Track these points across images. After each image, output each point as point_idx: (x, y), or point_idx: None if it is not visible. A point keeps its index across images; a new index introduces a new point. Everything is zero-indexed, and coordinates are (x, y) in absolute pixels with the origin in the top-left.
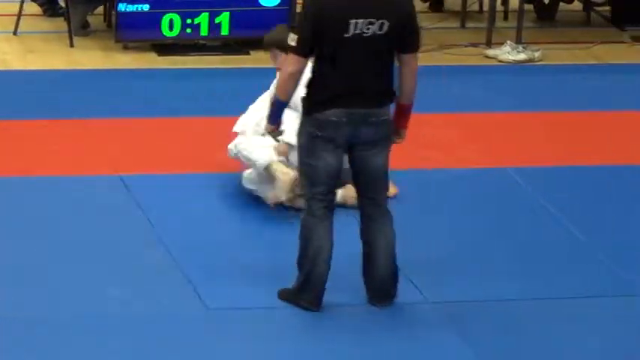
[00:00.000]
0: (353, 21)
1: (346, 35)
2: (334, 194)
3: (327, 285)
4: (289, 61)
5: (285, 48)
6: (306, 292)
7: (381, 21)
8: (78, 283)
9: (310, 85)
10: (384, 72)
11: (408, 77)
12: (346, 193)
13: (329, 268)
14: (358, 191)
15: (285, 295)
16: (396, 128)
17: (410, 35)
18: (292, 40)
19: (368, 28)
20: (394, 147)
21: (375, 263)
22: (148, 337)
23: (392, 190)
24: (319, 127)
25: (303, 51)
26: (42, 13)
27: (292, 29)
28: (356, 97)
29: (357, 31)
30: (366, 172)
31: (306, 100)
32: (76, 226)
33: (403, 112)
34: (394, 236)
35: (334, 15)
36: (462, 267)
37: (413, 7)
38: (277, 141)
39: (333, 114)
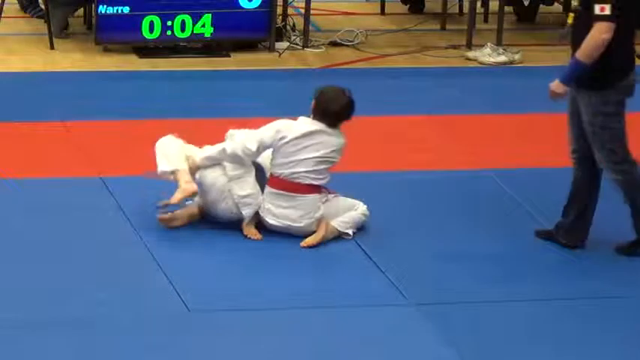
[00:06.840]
0: None
1: None
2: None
3: (310, 286)
4: (603, 29)
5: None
6: None
7: None
8: (58, 284)
9: (607, 55)
10: None
11: None
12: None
13: None
14: None
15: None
16: None
17: None
18: (603, 9)
19: None
20: (379, 149)
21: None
22: (128, 339)
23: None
24: (626, 93)
25: (615, 18)
26: (21, 9)
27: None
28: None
29: None
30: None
31: (604, 73)
32: (57, 227)
33: None
34: None
35: None
36: (443, 269)
37: None
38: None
39: (632, 79)
